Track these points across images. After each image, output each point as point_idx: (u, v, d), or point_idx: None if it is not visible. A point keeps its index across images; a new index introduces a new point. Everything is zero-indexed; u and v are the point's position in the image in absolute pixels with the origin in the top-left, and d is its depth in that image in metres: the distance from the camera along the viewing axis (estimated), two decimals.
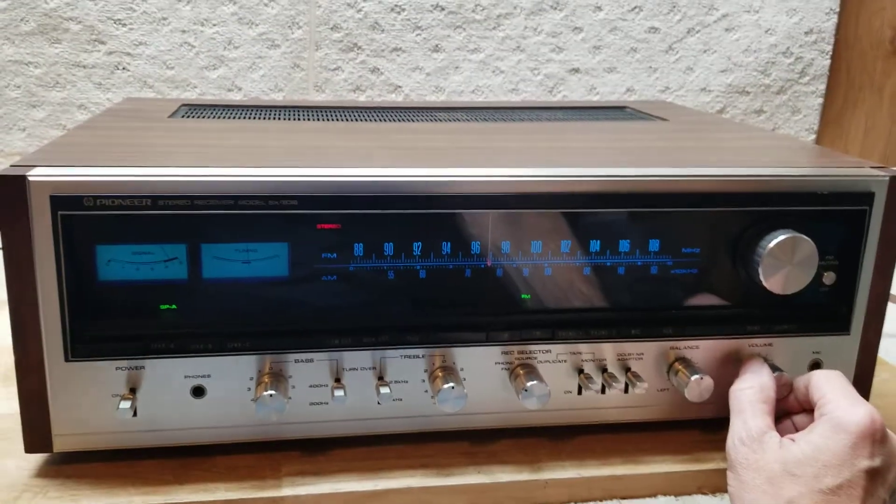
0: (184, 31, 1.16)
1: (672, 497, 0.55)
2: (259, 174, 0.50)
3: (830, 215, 0.57)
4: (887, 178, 0.56)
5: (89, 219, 0.48)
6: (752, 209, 0.56)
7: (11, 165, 0.48)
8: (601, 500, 0.55)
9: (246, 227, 0.51)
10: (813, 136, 1.31)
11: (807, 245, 0.55)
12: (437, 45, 1.19)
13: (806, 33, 1.25)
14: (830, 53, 1.27)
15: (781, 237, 0.54)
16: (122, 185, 0.48)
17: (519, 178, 0.53)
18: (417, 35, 1.18)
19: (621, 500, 0.55)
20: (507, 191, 0.52)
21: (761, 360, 0.56)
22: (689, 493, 0.56)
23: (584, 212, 0.54)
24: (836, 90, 1.29)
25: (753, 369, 0.55)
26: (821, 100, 1.29)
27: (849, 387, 0.51)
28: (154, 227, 0.50)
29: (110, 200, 0.48)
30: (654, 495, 0.55)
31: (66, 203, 0.47)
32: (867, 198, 0.56)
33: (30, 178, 0.47)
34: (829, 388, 0.50)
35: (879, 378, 0.71)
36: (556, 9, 1.20)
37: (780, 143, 0.74)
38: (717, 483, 0.56)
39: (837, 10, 1.24)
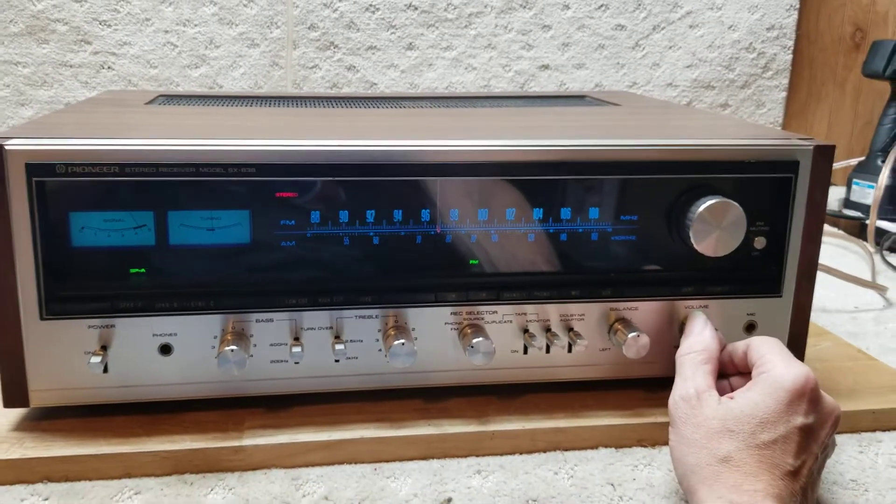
0: (166, 32, 1.20)
1: (613, 449, 0.59)
2: (218, 143, 0.53)
3: (759, 183, 0.60)
4: (811, 147, 0.60)
5: (62, 185, 0.52)
6: (684, 177, 0.60)
7: None
8: (545, 451, 0.58)
9: (209, 195, 0.55)
10: (778, 129, 1.35)
11: (734, 209, 0.58)
12: (410, 44, 1.24)
13: (768, 29, 1.30)
14: (792, 49, 1.31)
15: (711, 202, 0.58)
16: (91, 154, 0.52)
17: (464, 147, 0.56)
18: (392, 34, 1.23)
19: (564, 452, 0.58)
20: (454, 160, 0.56)
21: (705, 319, 0.58)
22: (630, 446, 0.59)
23: (528, 179, 0.58)
24: (799, 84, 1.34)
25: (698, 329, 0.57)
26: (784, 94, 1.33)
27: (786, 350, 0.53)
28: (124, 196, 0.53)
29: (81, 168, 0.52)
30: (595, 447, 0.59)
31: (41, 170, 0.51)
32: (793, 166, 0.60)
33: (6, 147, 0.51)
34: (768, 349, 0.53)
35: (821, 346, 0.75)
36: (525, 7, 1.25)
37: (720, 121, 0.78)
38: (656, 436, 0.60)
39: (798, 6, 1.29)
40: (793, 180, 0.60)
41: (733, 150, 0.60)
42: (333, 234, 0.57)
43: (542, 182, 0.58)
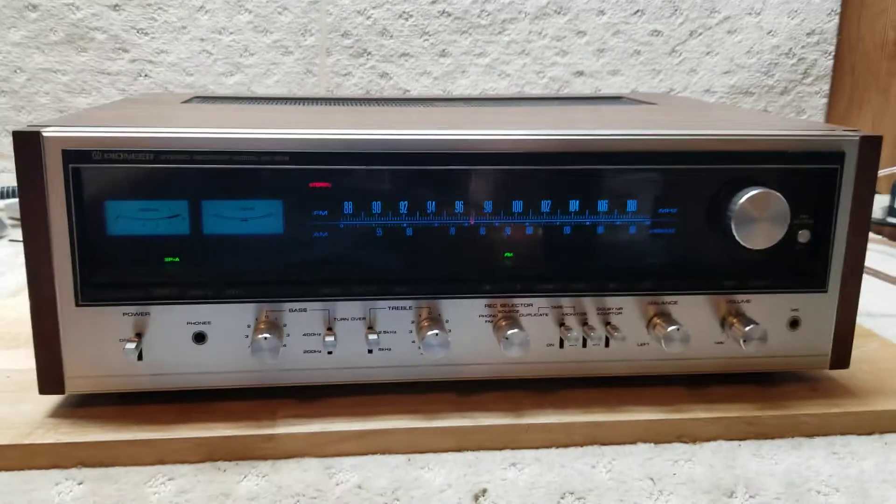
0: (202, 40, 1.22)
1: (652, 444, 0.57)
2: (252, 132, 0.53)
3: (803, 174, 0.59)
4: (858, 138, 0.59)
5: (98, 171, 0.52)
6: (726, 167, 0.58)
7: (28, 125, 0.52)
8: (581, 445, 0.57)
9: (243, 184, 0.54)
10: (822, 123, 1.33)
11: (778, 200, 0.57)
12: (444, 50, 1.24)
13: (808, 34, 1.28)
14: (833, 54, 1.29)
15: (753, 192, 0.57)
16: (127, 141, 0.52)
17: (499, 137, 0.56)
18: (425, 40, 1.23)
19: (601, 446, 0.57)
20: (488, 149, 0.56)
21: None
22: (669, 441, 0.58)
23: (564, 170, 0.57)
24: (841, 91, 1.31)
25: None
26: (825, 100, 1.31)
27: None
28: (158, 184, 0.53)
29: (116, 154, 0.52)
30: (633, 442, 0.57)
31: (77, 157, 0.51)
32: (838, 157, 0.59)
33: (44, 134, 0.51)
34: None
35: (867, 347, 0.73)
36: (559, 13, 1.24)
37: (762, 115, 0.76)
38: (696, 432, 0.58)
39: (839, 11, 1.27)
40: (838, 171, 0.59)
41: (777, 141, 0.58)
42: (366, 224, 0.56)
43: (579, 172, 0.57)
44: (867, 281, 0.68)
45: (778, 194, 0.57)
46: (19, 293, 0.82)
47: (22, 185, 0.52)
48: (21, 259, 0.99)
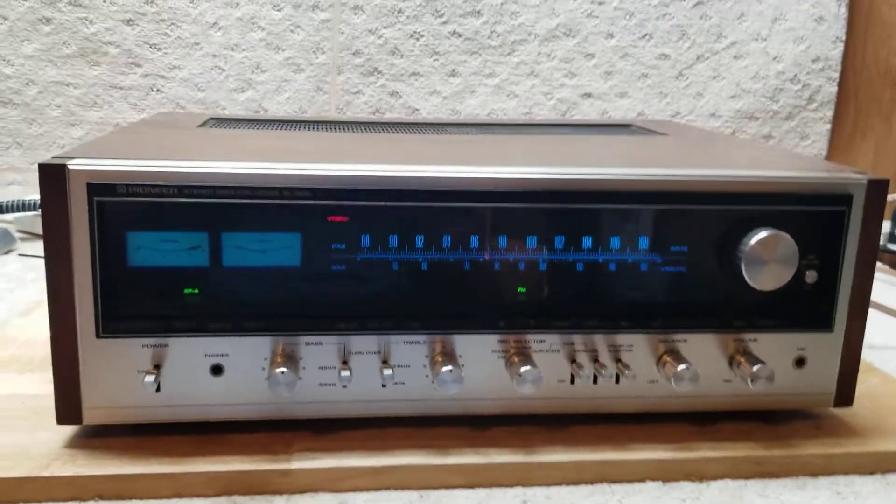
0: (215, 56, 1.23)
1: (660, 482, 0.58)
2: (275, 168, 0.54)
3: (811, 216, 0.60)
4: (865, 181, 0.60)
5: (122, 205, 0.53)
6: (736, 208, 0.59)
7: (53, 157, 0.53)
8: (591, 483, 0.58)
9: (263, 217, 0.55)
10: (830, 163, 1.34)
11: (787, 242, 0.58)
12: (453, 70, 1.25)
13: (813, 61, 1.29)
14: (838, 81, 1.30)
15: (763, 234, 0.58)
16: (151, 175, 0.53)
17: (513, 175, 0.57)
18: (435, 60, 1.24)
19: (611, 484, 0.58)
20: (503, 187, 0.57)
21: None
22: (677, 480, 0.59)
23: (578, 208, 0.58)
24: (844, 117, 1.33)
25: None
26: (829, 126, 1.32)
27: None
28: (180, 216, 0.54)
29: (140, 188, 0.53)
30: (642, 480, 0.58)
31: (102, 190, 0.52)
32: (846, 199, 0.60)
33: (69, 167, 0.52)
34: None
35: (869, 383, 0.74)
36: (569, 36, 1.25)
37: (771, 153, 0.77)
38: (704, 471, 0.59)
39: (844, 38, 1.28)
40: (846, 214, 0.60)
41: (786, 183, 0.59)
42: (383, 258, 0.57)
43: (591, 211, 0.58)
44: (869, 313, 0.69)
45: (787, 236, 0.58)
46: (31, 312, 0.83)
47: (46, 216, 0.52)
48: (31, 274, 1.00)
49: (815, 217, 0.60)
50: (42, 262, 0.52)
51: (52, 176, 0.52)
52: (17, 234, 1.15)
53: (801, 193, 0.59)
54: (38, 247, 0.53)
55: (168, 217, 0.54)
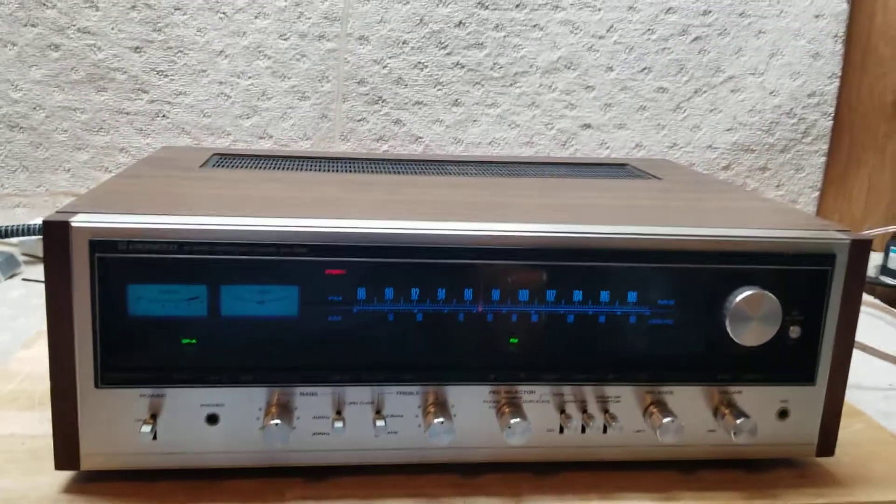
0: (221, 83, 1.24)
1: None
2: (273, 224, 0.56)
3: (796, 274, 0.61)
4: (848, 242, 0.61)
5: (122, 261, 0.54)
6: (722, 266, 0.61)
7: (57, 212, 0.55)
8: None
9: (260, 271, 0.57)
10: (817, 194, 1.35)
11: (770, 301, 0.59)
12: (456, 100, 1.26)
13: (809, 95, 1.30)
14: (833, 115, 1.32)
15: (747, 293, 0.59)
16: (151, 232, 0.54)
17: (505, 233, 0.58)
18: (438, 90, 1.25)
19: None
20: (495, 245, 0.58)
21: None
22: None
23: (568, 265, 0.60)
24: (839, 150, 1.34)
25: None
26: (824, 159, 1.34)
27: None
28: (179, 270, 0.56)
29: (141, 245, 0.54)
30: None
31: (103, 247, 0.54)
32: (829, 259, 0.61)
33: (73, 224, 0.54)
34: None
35: (853, 428, 0.75)
36: (569, 68, 1.27)
37: (759, 204, 0.79)
38: None
39: (840, 74, 1.30)
40: (829, 272, 0.61)
41: (771, 243, 0.61)
42: (378, 310, 0.59)
43: (582, 267, 0.60)
44: (856, 353, 0.70)
45: (771, 296, 0.59)
46: (34, 344, 0.84)
47: (49, 270, 0.54)
48: (34, 301, 1.01)
49: (799, 275, 0.61)
50: None
51: (55, 232, 0.54)
52: (22, 258, 1.17)
53: (786, 253, 0.61)
54: (42, 271, 0.54)
55: (167, 271, 0.56)
